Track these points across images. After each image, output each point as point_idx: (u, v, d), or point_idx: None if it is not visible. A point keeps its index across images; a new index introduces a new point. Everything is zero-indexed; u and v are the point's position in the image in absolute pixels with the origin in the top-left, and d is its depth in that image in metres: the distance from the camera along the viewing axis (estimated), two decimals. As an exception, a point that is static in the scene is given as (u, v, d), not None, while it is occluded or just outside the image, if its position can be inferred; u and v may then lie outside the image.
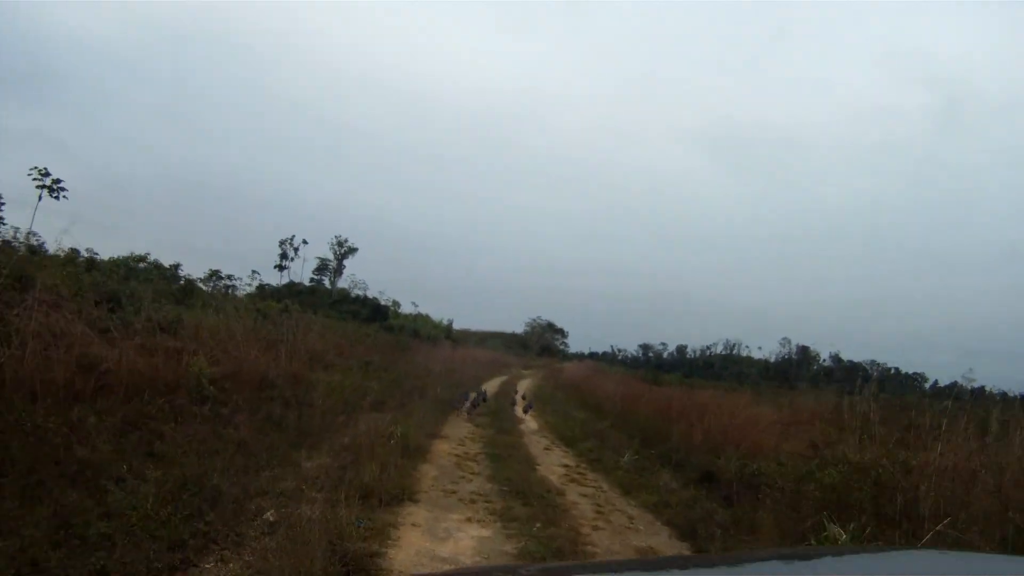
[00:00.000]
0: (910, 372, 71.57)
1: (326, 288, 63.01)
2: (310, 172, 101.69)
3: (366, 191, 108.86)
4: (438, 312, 52.09)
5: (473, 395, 15.50)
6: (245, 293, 50.68)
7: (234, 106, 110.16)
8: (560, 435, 10.52)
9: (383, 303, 53.66)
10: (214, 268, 51.67)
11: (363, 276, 63.35)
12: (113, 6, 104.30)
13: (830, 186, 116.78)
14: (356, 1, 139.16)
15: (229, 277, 62.53)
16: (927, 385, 68.82)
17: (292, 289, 59.28)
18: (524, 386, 24.00)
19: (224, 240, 74.51)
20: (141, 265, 21.71)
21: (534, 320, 72.82)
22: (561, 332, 74.23)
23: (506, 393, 18.75)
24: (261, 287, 57.62)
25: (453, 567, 4.69)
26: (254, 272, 62.80)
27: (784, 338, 79.08)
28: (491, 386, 20.27)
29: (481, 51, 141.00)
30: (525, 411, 15.72)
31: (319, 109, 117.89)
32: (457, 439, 9.28)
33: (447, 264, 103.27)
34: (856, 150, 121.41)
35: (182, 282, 24.47)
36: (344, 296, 57.33)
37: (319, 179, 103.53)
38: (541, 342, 71.15)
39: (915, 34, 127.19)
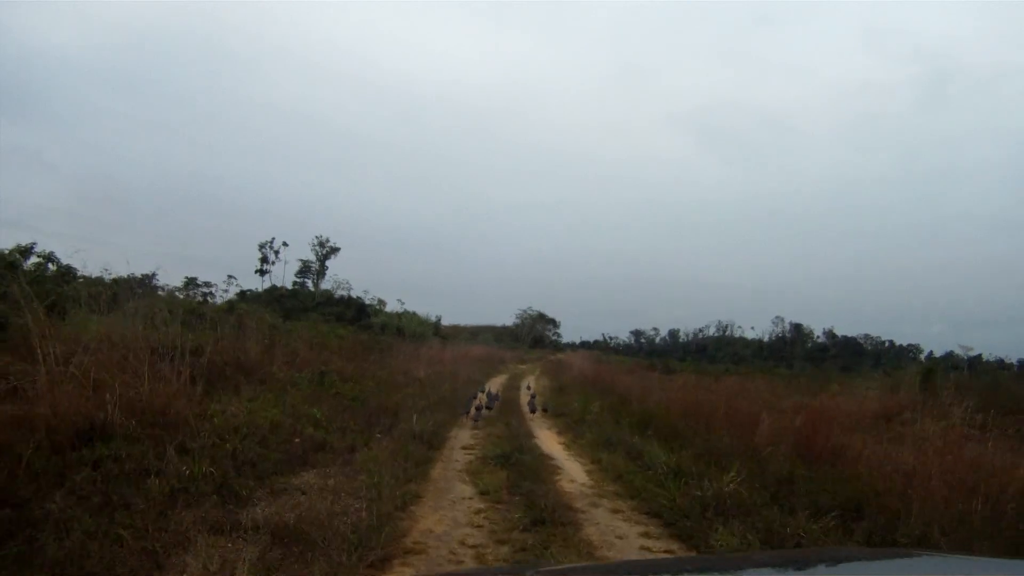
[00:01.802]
0: (904, 344, 67.42)
1: (309, 291, 57.60)
2: (291, 173, 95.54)
3: (349, 190, 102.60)
4: (427, 309, 46.73)
5: (482, 396, 12.22)
6: (225, 300, 45.82)
7: (215, 110, 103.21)
8: (648, 502, 5.10)
9: (368, 302, 48.43)
10: (191, 276, 46.33)
11: (348, 277, 58.09)
12: (86, 13, 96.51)
13: (817, 164, 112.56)
14: None
15: (207, 284, 56.70)
16: (922, 356, 64.71)
17: (273, 293, 53.94)
18: (532, 386, 18.94)
19: (207, 248, 68.98)
20: (30, 260, 16.01)
21: (525, 311, 67.45)
22: (553, 322, 68.92)
23: (513, 404, 13.35)
24: (242, 293, 52.34)
25: (456, 568, 3.80)
26: (230, 277, 57.04)
27: (777, 317, 74.66)
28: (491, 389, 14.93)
29: (464, 45, 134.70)
30: (533, 411, 11.79)
31: (300, 109, 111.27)
32: (447, 550, 3.92)
33: (435, 261, 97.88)
34: (842, 127, 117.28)
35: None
36: (328, 298, 52.03)
37: (301, 180, 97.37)
38: (533, 334, 65.82)
39: (898, 11, 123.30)
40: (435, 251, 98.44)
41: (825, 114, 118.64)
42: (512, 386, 18.57)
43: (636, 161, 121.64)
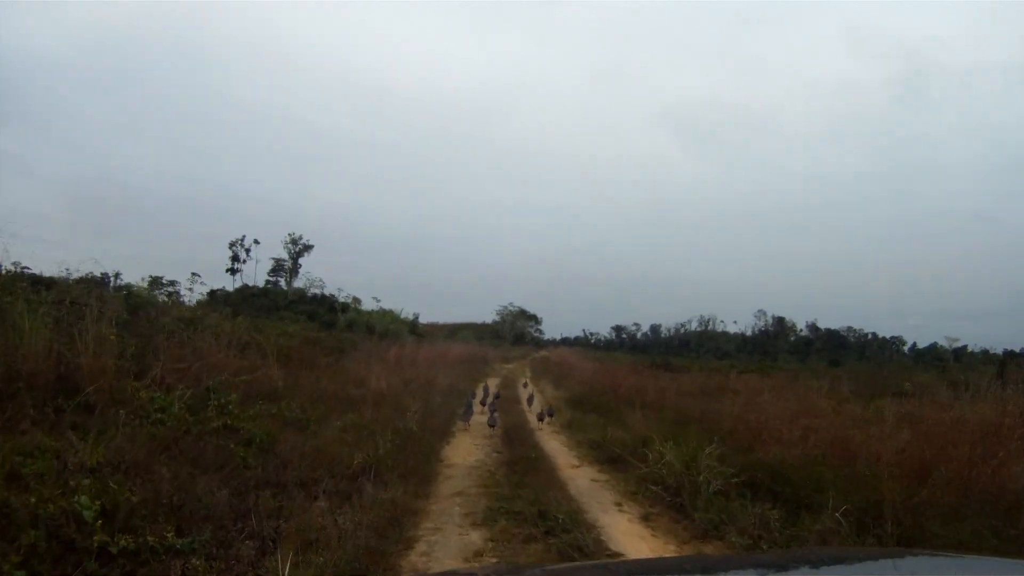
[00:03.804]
0: (887, 336, 64.26)
1: (281, 289, 52.13)
2: (271, 174, 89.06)
3: (330, 191, 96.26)
4: (407, 308, 41.68)
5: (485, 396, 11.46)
6: (196, 300, 40.86)
7: (196, 112, 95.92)
8: None
9: (342, 300, 43.20)
10: (156, 275, 41.44)
11: (324, 276, 52.82)
12: (56, 13, 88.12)
13: (797, 160, 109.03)
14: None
15: (172, 283, 50.73)
16: (906, 348, 61.65)
17: (244, 293, 48.68)
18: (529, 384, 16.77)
19: (184, 249, 62.60)
20: None
21: (506, 307, 62.37)
22: (535, 319, 63.96)
23: (526, 433, 8.49)
24: (211, 292, 47.20)
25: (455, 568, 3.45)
26: (194, 275, 51.33)
27: (759, 310, 70.76)
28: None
29: (447, 45, 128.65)
30: (540, 419, 9.76)
31: (286, 112, 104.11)
32: None
33: (414, 260, 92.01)
34: (822, 124, 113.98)
35: None
36: (301, 296, 46.75)
37: (279, 181, 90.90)
38: (514, 331, 60.91)
39: (877, 10, 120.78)
40: (415, 250, 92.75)
41: (805, 111, 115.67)
42: (510, 397, 13.65)
43: (616, 159, 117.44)
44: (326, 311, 40.42)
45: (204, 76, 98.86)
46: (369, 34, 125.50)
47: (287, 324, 18.06)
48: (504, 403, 11.96)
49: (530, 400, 12.57)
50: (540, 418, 9.70)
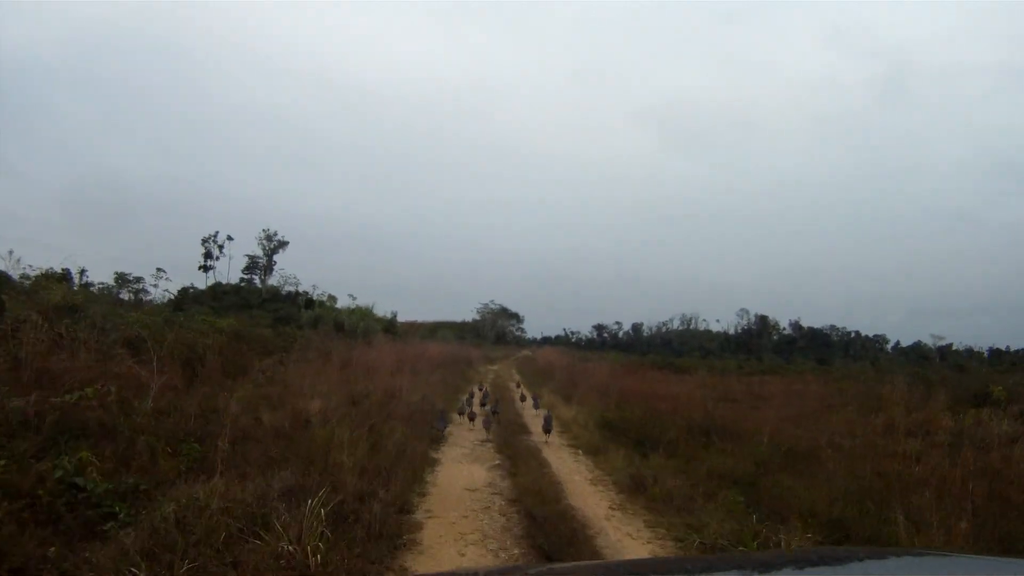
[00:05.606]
0: (871, 335, 62.00)
1: (255, 287, 47.73)
2: (249, 173, 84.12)
3: (312, 189, 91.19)
4: (387, 306, 37.92)
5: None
6: (167, 298, 34.70)
7: (172, 111, 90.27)
8: None
9: (316, 298, 39.22)
10: (121, 271, 37.92)
11: (304, 273, 48.58)
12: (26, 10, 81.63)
13: (780, 159, 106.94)
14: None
15: (138, 280, 45.73)
16: (889, 347, 59.53)
17: (217, 290, 44.31)
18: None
19: (161, 247, 58.21)
20: None
21: (487, 305, 58.51)
22: (516, 317, 60.20)
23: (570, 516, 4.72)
24: (183, 290, 42.94)
25: (454, 568, 3.58)
26: (159, 270, 46.83)
27: (741, 309, 67.87)
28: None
29: (424, 43, 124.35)
30: (547, 431, 8.40)
31: (269, 110, 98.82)
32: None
33: (393, 258, 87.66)
34: (804, 123, 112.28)
35: None
36: (275, 294, 42.61)
37: (264, 180, 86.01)
38: (496, 329, 57.18)
39: (857, 8, 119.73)
40: (396, 249, 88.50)
41: (788, 111, 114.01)
42: (507, 412, 9.89)
43: (600, 158, 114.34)
44: (298, 309, 36.63)
45: (186, 76, 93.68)
46: (355, 34, 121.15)
47: (219, 318, 13.99)
48: (501, 427, 8.44)
49: (535, 403, 11.63)
50: (546, 430, 8.44)
